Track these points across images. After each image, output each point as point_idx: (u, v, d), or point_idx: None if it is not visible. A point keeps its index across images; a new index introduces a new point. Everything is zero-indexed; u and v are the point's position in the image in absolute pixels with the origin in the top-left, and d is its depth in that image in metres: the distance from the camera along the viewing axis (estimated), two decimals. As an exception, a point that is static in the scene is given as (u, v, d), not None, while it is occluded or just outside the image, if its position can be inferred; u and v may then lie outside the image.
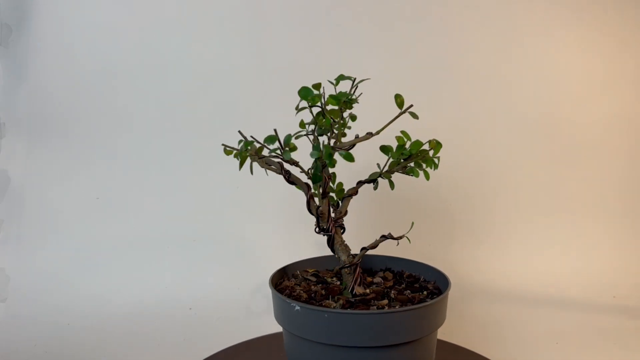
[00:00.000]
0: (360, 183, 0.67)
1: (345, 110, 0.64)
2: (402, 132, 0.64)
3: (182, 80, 1.19)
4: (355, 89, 0.63)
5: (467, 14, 1.23)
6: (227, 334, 0.91)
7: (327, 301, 0.63)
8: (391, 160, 0.64)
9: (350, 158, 0.60)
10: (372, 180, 0.66)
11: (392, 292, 0.65)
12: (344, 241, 0.67)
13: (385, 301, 0.62)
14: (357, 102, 0.63)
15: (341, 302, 0.62)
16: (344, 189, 0.70)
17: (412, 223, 0.68)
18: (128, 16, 1.17)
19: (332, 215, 0.67)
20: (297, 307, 0.58)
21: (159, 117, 1.19)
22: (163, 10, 1.17)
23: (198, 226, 1.19)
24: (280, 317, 0.63)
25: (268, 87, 1.19)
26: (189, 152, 1.20)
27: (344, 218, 0.68)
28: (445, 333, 0.94)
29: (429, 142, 0.63)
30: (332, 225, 0.66)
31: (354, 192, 0.68)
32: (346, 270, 0.66)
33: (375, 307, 0.60)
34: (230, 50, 1.20)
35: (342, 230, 0.68)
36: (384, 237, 0.66)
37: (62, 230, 1.16)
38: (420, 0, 1.22)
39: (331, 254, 0.69)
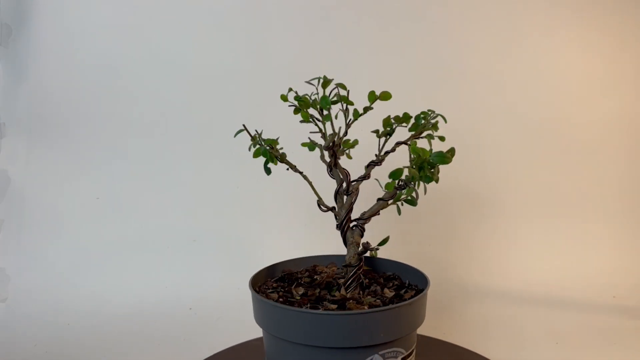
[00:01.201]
0: (397, 188, 0.66)
1: (327, 110, 0.64)
2: (428, 136, 0.63)
3: (183, 80, 1.19)
4: (332, 89, 0.64)
5: (468, 14, 1.23)
6: (227, 334, 0.91)
7: (297, 288, 0.65)
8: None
9: (260, 154, 0.63)
10: (405, 184, 0.65)
11: (351, 301, 0.62)
12: (355, 242, 0.67)
13: (334, 306, 0.60)
14: (329, 103, 0.63)
15: (303, 292, 0.64)
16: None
17: (388, 237, 0.66)
18: (128, 16, 1.17)
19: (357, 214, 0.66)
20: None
21: (159, 116, 1.19)
22: (164, 10, 1.17)
23: (198, 226, 1.19)
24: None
25: (269, 87, 1.19)
26: (190, 152, 1.20)
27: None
28: (446, 333, 0.94)
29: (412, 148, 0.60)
30: (346, 222, 0.66)
31: (389, 196, 0.64)
32: (346, 270, 0.66)
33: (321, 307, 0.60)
34: (231, 50, 1.20)
35: (359, 231, 0.67)
36: (364, 247, 0.65)
37: (62, 230, 1.16)
38: (421, 1, 1.22)
39: (319, 254, 0.70)
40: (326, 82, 0.63)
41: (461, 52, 1.23)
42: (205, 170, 1.20)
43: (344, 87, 0.63)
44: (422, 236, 1.22)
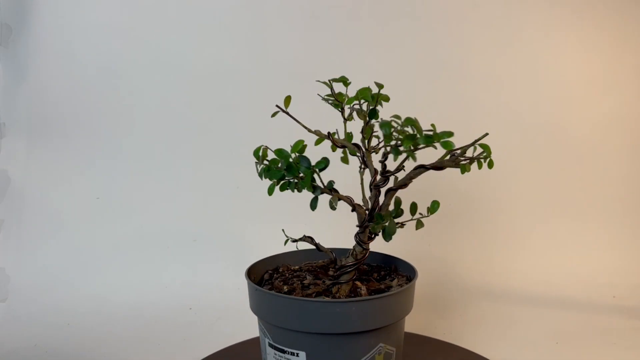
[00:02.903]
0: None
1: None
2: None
3: (183, 80, 1.19)
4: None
5: (468, 14, 1.23)
6: (227, 334, 0.91)
7: (301, 272, 0.71)
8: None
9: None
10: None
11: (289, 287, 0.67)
12: (360, 246, 0.66)
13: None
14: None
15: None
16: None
17: (283, 233, 0.70)
18: (128, 16, 1.17)
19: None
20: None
21: (160, 116, 1.19)
22: (164, 10, 1.17)
23: (198, 226, 1.19)
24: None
25: (269, 87, 1.19)
26: (190, 152, 1.20)
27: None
28: (446, 333, 0.94)
29: None
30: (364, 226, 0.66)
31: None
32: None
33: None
34: (232, 49, 1.20)
35: (366, 234, 0.66)
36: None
37: (62, 230, 1.16)
38: (421, 1, 1.22)
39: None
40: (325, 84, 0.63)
41: (461, 53, 1.23)
42: (205, 170, 1.20)
43: (381, 86, 0.62)
44: (421, 236, 1.22)
